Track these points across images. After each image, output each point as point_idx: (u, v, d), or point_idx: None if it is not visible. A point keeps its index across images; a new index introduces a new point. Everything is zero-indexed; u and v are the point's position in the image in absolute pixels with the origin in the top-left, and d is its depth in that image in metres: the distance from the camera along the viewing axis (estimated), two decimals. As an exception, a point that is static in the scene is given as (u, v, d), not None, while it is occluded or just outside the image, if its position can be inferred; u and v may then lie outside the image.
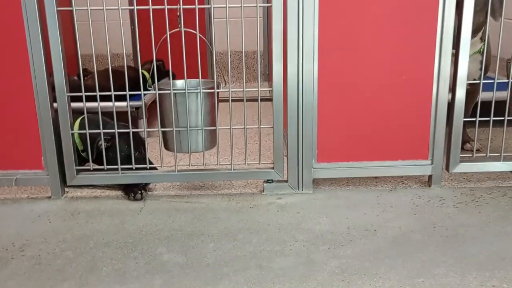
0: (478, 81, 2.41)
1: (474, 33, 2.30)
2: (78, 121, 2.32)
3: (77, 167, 2.23)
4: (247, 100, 2.19)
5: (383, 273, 1.64)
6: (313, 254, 1.75)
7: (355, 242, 1.83)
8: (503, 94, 2.38)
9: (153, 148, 2.97)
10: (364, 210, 2.09)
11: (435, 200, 2.17)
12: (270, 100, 3.97)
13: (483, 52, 2.44)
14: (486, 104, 2.27)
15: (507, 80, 2.25)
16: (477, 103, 2.27)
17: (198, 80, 2.18)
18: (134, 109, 3.08)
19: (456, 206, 2.11)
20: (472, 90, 2.54)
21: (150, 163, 2.32)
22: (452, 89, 2.18)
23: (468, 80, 2.17)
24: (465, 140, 2.72)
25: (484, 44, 2.45)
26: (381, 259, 1.71)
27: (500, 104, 2.29)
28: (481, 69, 2.54)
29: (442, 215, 2.03)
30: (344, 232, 1.90)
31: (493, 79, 2.21)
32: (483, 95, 2.26)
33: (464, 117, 2.23)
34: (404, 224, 1.96)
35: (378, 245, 1.81)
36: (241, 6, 2.07)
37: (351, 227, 1.94)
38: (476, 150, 2.36)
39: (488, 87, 2.33)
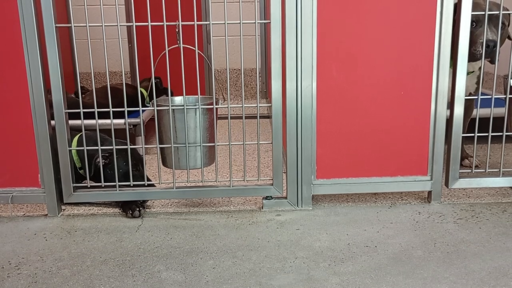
0: (473, 97, 2.42)
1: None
2: (76, 138, 2.31)
3: (74, 184, 2.22)
4: (245, 118, 2.18)
5: (385, 290, 1.62)
6: (313, 271, 1.73)
7: (355, 258, 1.81)
8: (500, 111, 2.39)
9: (151, 165, 2.96)
10: (364, 226, 2.08)
11: (435, 216, 2.16)
12: (268, 117, 4.01)
13: (480, 68, 2.46)
14: (483, 121, 2.27)
15: (504, 96, 2.26)
16: (475, 119, 2.28)
17: (196, 96, 2.18)
18: (132, 126, 3.08)
19: (456, 222, 2.10)
20: (467, 105, 2.55)
21: (148, 180, 2.31)
22: (450, 106, 2.19)
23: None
24: (464, 156, 2.73)
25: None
26: (382, 276, 1.70)
27: (497, 121, 2.29)
28: (477, 83, 2.55)
29: (442, 231, 2.01)
30: (344, 249, 1.89)
31: (490, 95, 2.22)
32: (480, 112, 2.26)
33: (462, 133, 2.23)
34: (404, 240, 1.95)
35: (379, 262, 1.79)
36: (239, 23, 2.08)
37: (351, 244, 1.93)
38: (475, 166, 2.35)
39: (485, 104, 2.34)
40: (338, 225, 2.10)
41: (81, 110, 2.14)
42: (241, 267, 1.77)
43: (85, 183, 2.27)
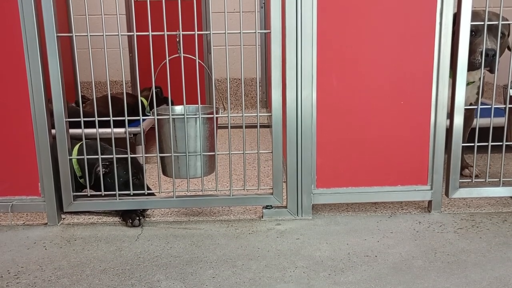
0: (474, 107, 2.43)
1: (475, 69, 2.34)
2: (76, 147, 2.31)
3: (74, 193, 2.22)
4: (245, 127, 2.19)
5: (385, 300, 1.61)
6: (313, 281, 1.73)
7: (355, 268, 1.81)
8: (500, 120, 2.39)
9: (151, 174, 2.96)
10: (364, 236, 2.07)
11: (435, 225, 2.16)
12: (268, 127, 4.01)
13: (480, 78, 2.46)
14: (483, 130, 2.28)
15: (503, 106, 2.26)
16: (474, 129, 2.28)
17: (196, 105, 2.19)
18: (132, 135, 3.08)
19: (456, 232, 2.10)
20: (468, 115, 2.55)
21: (148, 189, 2.30)
22: (450, 115, 2.19)
23: (464, 104, 2.18)
24: (464, 165, 2.72)
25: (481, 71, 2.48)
26: (382, 286, 1.69)
27: (497, 130, 2.30)
28: (477, 94, 2.56)
29: (442, 241, 2.01)
30: (344, 258, 1.88)
31: (490, 105, 2.22)
32: (480, 121, 2.27)
33: (462, 143, 2.23)
34: (404, 250, 1.94)
35: (379, 272, 1.78)
36: (240, 33, 2.09)
37: (351, 253, 1.92)
38: (475, 176, 2.35)
39: (485, 113, 2.34)
40: (338, 234, 2.09)
41: (82, 119, 2.14)
42: (241, 276, 1.77)
43: (85, 192, 2.27)
